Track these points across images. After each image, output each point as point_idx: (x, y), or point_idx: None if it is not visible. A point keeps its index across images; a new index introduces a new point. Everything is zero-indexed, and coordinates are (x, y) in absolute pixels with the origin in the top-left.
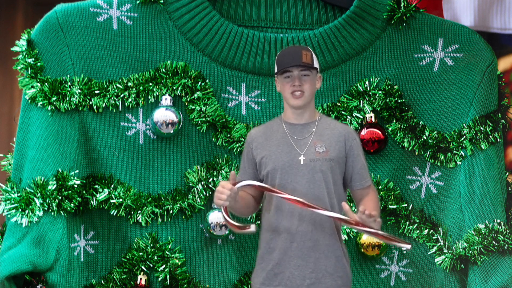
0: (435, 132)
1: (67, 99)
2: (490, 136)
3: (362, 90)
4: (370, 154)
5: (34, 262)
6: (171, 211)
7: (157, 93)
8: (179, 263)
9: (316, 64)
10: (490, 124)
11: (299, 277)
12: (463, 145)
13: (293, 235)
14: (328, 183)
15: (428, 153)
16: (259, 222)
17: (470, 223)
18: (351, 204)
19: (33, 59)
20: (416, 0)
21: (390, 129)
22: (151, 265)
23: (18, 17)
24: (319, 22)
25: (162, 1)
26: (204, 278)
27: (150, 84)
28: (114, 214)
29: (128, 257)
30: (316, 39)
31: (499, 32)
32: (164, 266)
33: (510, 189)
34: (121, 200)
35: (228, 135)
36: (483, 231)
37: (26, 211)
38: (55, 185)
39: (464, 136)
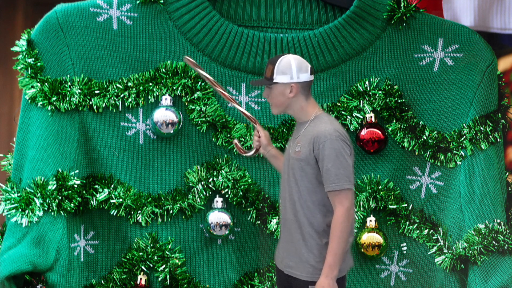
0: (435, 132)
1: (67, 99)
2: (490, 136)
3: (362, 90)
4: (370, 154)
5: (34, 262)
6: (171, 211)
7: (157, 93)
8: (179, 263)
9: (278, 77)
10: (490, 124)
11: (286, 258)
12: (463, 145)
13: (283, 221)
14: (298, 181)
15: (428, 153)
16: (258, 222)
17: (470, 223)
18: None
19: (33, 59)
20: (416, 0)
21: (390, 129)
22: (151, 265)
23: (18, 17)
24: (319, 22)
25: (162, 1)
26: (204, 278)
27: (150, 84)
28: (114, 214)
29: (128, 257)
30: (316, 39)
31: (499, 32)
32: (164, 266)
33: (510, 189)
34: (121, 200)
35: (228, 135)
36: (483, 231)
37: (26, 211)
38: (55, 185)
39: (464, 136)
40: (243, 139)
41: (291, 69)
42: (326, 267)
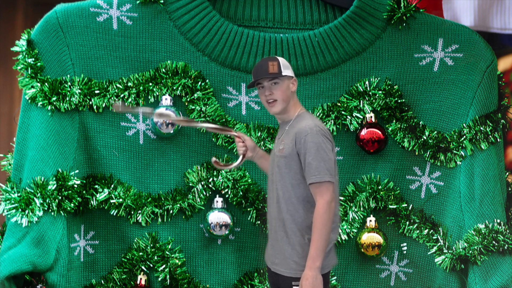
0: (435, 132)
1: (67, 99)
2: (490, 136)
3: (362, 90)
4: (370, 154)
5: (34, 262)
6: (171, 211)
7: (157, 93)
8: (179, 263)
9: (285, 71)
10: (490, 124)
11: (272, 256)
12: (463, 145)
13: (269, 220)
14: (283, 177)
15: (428, 153)
16: (258, 222)
17: (470, 223)
18: (351, 204)
19: (33, 59)
20: (416, 0)
21: (390, 129)
22: (151, 265)
23: (18, 17)
24: (319, 22)
25: (162, 1)
26: (204, 278)
27: (150, 84)
28: (114, 214)
29: (128, 257)
30: (316, 39)
31: (499, 32)
32: (164, 266)
33: (510, 189)
34: (121, 200)
35: (228, 135)
36: (483, 231)
37: (26, 211)
38: (55, 185)
39: (464, 136)
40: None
41: (289, 65)
42: (309, 259)
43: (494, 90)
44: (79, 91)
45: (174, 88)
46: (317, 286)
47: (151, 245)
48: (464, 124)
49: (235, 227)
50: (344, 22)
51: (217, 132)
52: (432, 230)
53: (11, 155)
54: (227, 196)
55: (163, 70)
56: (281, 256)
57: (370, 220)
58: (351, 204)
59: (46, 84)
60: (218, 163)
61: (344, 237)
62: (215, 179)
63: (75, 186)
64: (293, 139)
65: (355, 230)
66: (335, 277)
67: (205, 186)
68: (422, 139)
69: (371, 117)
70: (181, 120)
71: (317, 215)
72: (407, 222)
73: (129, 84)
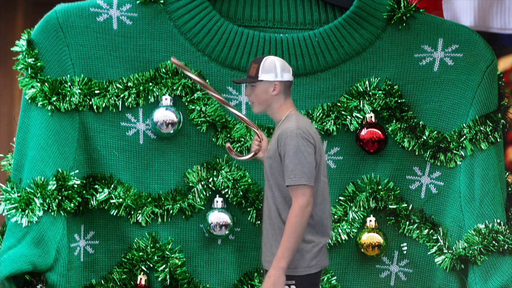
0: (435, 132)
1: (67, 99)
2: (490, 136)
3: (362, 90)
4: (370, 154)
5: (34, 262)
6: (171, 211)
7: (157, 93)
8: (179, 263)
9: (262, 76)
10: (490, 124)
11: (265, 253)
12: (463, 145)
13: (264, 219)
14: (268, 177)
15: (428, 153)
16: (258, 222)
17: (470, 223)
18: (349, 205)
19: (33, 59)
20: (416, 0)
21: (390, 129)
22: (151, 265)
23: (18, 17)
24: (319, 22)
25: (162, 1)
26: (204, 278)
27: (150, 84)
28: (114, 214)
29: (128, 257)
30: (316, 39)
31: (499, 32)
32: (164, 266)
33: (510, 189)
34: (121, 200)
35: (228, 135)
36: (483, 231)
37: (26, 211)
38: (55, 185)
39: (464, 136)
40: (243, 139)
41: (275, 68)
42: (275, 259)
43: (494, 90)
44: (79, 91)
45: (174, 88)
46: (278, 286)
47: (151, 245)
48: (464, 124)
49: (235, 227)
50: (344, 22)
51: (242, 121)
52: (432, 230)
53: (11, 155)
54: (227, 196)
55: (163, 70)
56: (271, 253)
57: (370, 220)
58: (351, 204)
59: (46, 84)
60: (231, 149)
61: (344, 237)
62: (215, 179)
63: (75, 186)
64: (276, 140)
65: (355, 230)
66: (335, 277)
67: (205, 186)
68: (422, 139)
69: (371, 117)
70: (216, 96)
71: (289, 217)
72: (407, 222)
73: (129, 84)
